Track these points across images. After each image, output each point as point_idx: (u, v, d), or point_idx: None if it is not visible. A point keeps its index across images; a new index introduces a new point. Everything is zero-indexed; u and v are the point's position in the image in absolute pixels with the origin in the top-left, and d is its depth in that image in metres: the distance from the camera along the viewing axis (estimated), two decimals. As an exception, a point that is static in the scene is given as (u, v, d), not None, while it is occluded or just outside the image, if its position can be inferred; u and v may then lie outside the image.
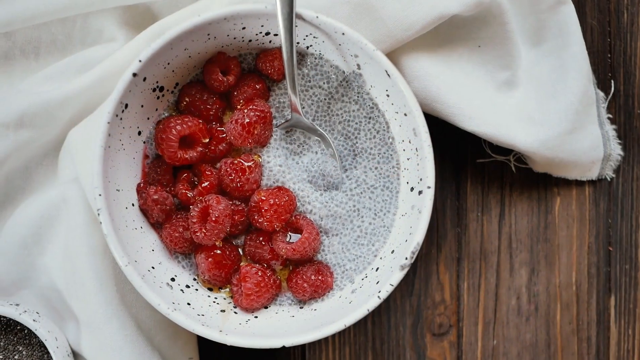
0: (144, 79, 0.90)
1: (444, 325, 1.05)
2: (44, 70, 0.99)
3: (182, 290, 0.93)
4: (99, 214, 0.87)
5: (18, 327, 0.97)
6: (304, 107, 0.96)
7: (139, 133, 0.94)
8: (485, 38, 0.99)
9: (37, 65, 1.03)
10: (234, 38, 0.93)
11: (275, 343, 0.87)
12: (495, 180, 1.06)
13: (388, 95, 0.93)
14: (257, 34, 0.93)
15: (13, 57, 1.03)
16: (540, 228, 1.05)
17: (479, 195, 1.06)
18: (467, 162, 1.06)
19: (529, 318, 1.05)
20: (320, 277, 0.94)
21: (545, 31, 1.01)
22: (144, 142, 0.95)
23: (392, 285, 0.88)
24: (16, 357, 0.96)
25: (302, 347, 1.05)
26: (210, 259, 0.93)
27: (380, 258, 0.94)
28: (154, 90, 0.93)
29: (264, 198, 0.92)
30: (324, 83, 0.96)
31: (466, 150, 1.06)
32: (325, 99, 0.96)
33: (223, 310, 0.93)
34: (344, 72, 0.95)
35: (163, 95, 0.95)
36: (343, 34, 0.90)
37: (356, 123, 0.97)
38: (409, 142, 0.93)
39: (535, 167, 1.03)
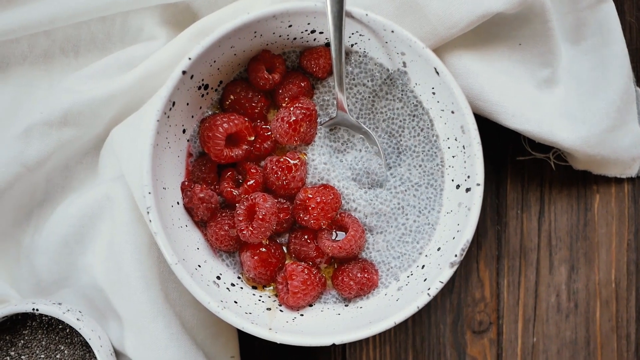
0: (191, 77, 0.90)
1: (484, 323, 1.05)
2: (86, 69, 0.99)
3: (227, 288, 0.93)
4: (148, 212, 0.87)
5: (60, 327, 0.96)
6: (348, 105, 0.96)
7: (184, 131, 0.94)
8: (526, 36, 0.99)
9: (76, 63, 1.03)
10: (279, 36, 0.93)
11: (325, 341, 0.87)
12: (535, 178, 1.06)
13: (434, 93, 0.93)
14: (302, 32, 0.93)
15: (53, 56, 1.03)
16: (580, 225, 1.05)
17: (519, 193, 1.06)
18: (507, 160, 1.06)
19: (569, 315, 1.05)
20: (366, 275, 0.93)
21: (585, 29, 1.02)
22: (188, 140, 0.95)
23: (442, 282, 0.88)
24: (58, 356, 0.96)
25: (342, 346, 1.05)
26: (256, 257, 0.93)
27: (426, 255, 0.94)
28: (199, 88, 0.93)
29: (310, 196, 0.92)
30: (368, 81, 0.96)
31: (506, 148, 1.06)
32: (369, 97, 0.96)
33: (269, 309, 0.93)
34: (388, 69, 0.95)
35: (207, 93, 0.95)
36: (392, 31, 0.90)
37: (400, 121, 0.97)
38: (455, 139, 0.93)
39: (575, 164, 1.03)
